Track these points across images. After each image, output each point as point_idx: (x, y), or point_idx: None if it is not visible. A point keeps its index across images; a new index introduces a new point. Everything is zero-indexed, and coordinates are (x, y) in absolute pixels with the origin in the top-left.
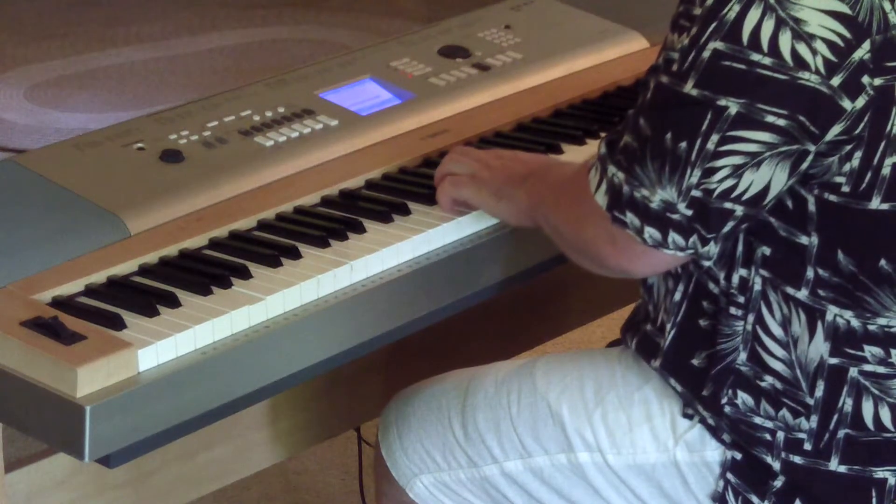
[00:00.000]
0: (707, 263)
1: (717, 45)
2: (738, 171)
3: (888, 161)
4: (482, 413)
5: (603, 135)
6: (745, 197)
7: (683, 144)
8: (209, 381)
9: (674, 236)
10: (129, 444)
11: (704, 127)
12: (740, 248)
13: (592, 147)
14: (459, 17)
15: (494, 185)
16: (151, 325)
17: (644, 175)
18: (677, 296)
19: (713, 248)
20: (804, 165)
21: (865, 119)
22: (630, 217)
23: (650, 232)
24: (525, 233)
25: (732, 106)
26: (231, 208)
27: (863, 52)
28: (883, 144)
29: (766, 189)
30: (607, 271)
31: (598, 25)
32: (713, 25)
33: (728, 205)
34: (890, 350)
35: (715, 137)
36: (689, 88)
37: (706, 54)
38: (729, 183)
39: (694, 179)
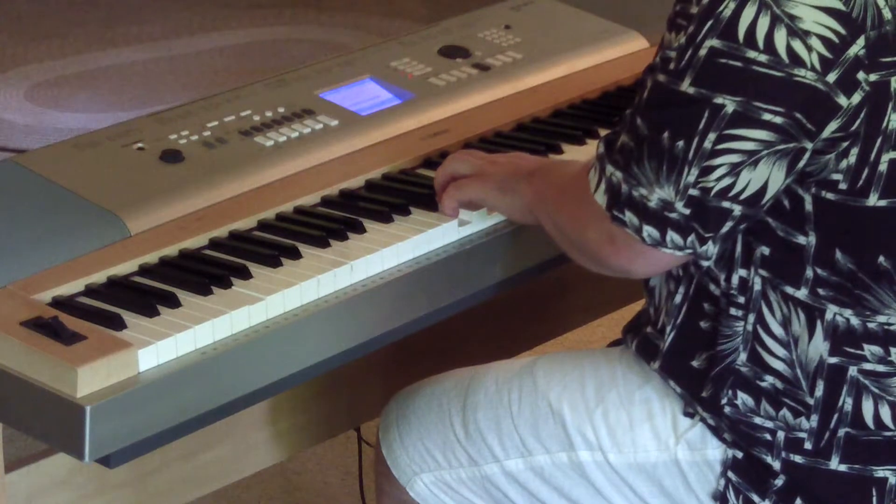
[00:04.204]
0: (706, 263)
1: (714, 42)
2: (735, 170)
3: (885, 157)
4: (483, 412)
5: (603, 134)
6: (743, 196)
7: (681, 143)
8: (209, 381)
9: (672, 235)
10: (129, 444)
11: (702, 125)
12: (739, 248)
13: (592, 147)
14: (459, 17)
15: (499, 179)
16: (151, 325)
17: (642, 174)
18: (678, 298)
19: (712, 248)
20: (801, 164)
21: (861, 115)
22: (629, 216)
23: (649, 231)
24: (525, 233)
25: (729, 104)
26: (231, 208)
27: (857, 48)
28: (879, 140)
29: (764, 188)
30: (607, 271)
31: (598, 25)
32: (710, 23)
33: (726, 204)
34: (889, 348)
35: (712, 136)
36: (686, 87)
37: (703, 52)
38: (727, 182)
39: (691, 178)
